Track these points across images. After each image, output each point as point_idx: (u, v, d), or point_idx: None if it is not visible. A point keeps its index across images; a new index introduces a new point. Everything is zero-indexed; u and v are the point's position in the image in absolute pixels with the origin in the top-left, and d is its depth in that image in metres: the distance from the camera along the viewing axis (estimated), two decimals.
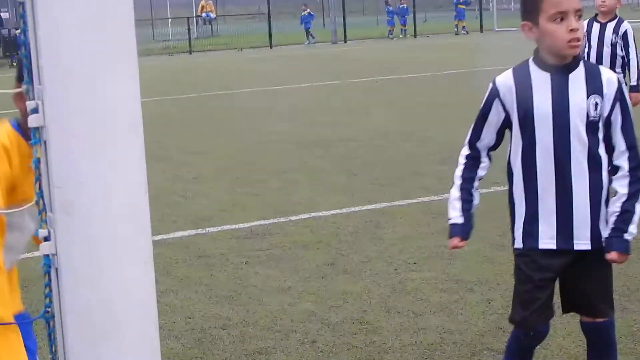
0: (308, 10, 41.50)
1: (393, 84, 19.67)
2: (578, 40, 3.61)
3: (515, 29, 34.10)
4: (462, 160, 3.94)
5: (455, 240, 3.87)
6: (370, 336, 5.21)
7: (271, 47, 38.38)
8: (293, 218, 8.09)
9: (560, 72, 3.71)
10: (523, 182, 3.80)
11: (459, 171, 3.92)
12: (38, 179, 1.70)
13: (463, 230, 3.86)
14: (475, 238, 6.96)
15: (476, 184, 3.92)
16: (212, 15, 47.69)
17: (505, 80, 3.81)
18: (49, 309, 1.74)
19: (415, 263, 6.54)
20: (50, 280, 1.71)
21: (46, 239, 1.68)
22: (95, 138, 1.61)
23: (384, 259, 6.68)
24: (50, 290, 1.72)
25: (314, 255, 6.87)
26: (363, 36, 41.62)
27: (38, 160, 1.68)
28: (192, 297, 6.07)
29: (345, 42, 39.39)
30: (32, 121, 1.65)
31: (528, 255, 3.81)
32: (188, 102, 18.32)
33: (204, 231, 7.80)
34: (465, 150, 3.93)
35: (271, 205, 8.61)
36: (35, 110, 1.65)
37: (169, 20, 51.47)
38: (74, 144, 1.61)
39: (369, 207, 8.35)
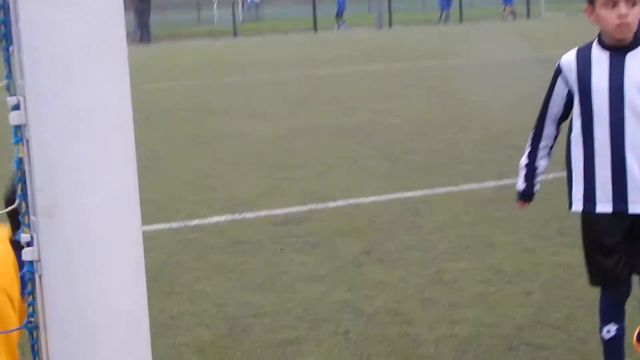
0: None
1: (436, 70, 19.46)
2: (627, 25, 3.90)
3: (563, 13, 33.43)
4: (532, 131, 4.29)
5: (521, 203, 4.37)
6: (405, 328, 5.08)
7: (316, 32, 38.22)
8: (331, 204, 7.98)
9: (618, 51, 4.01)
10: (583, 150, 4.08)
11: (528, 140, 4.29)
12: (20, 179, 1.59)
13: (527, 194, 4.32)
14: (515, 228, 6.85)
15: (543, 152, 4.27)
16: None
17: (568, 59, 4.14)
18: (32, 319, 1.64)
19: (453, 253, 6.39)
20: (33, 288, 1.60)
21: (29, 244, 1.57)
22: (80, 137, 1.50)
23: (421, 248, 6.54)
24: (34, 299, 1.61)
25: (350, 243, 6.75)
26: (408, 21, 41.30)
27: (20, 160, 1.58)
28: (225, 284, 5.98)
29: (390, 26, 39.08)
30: (14, 119, 1.55)
31: (588, 219, 4.12)
32: (230, 87, 18.24)
33: (240, 217, 7.71)
34: (536, 122, 4.27)
35: (309, 191, 8.49)
36: (16, 107, 1.54)
37: (215, 3, 51.47)
38: (57, 144, 1.50)
39: (409, 194, 8.21)
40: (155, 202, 8.15)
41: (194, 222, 7.59)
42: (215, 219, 7.68)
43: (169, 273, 6.22)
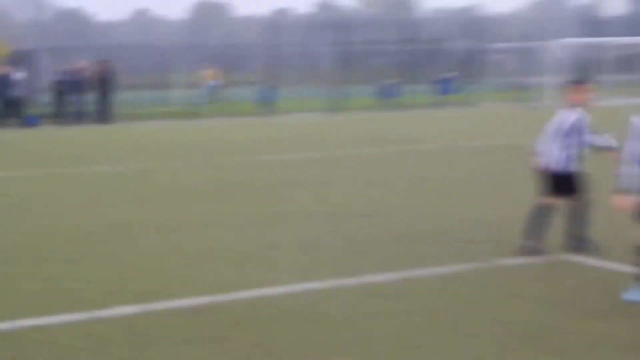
0: None
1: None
2: None
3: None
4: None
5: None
6: None
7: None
8: (242, 294, 8.12)
9: None
10: None
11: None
12: None
13: None
14: (396, 324, 7.06)
15: None
16: None
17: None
18: None
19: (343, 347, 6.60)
20: None
21: None
22: None
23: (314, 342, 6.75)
24: None
25: (243, 337, 6.92)
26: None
27: None
28: None
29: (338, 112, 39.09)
30: None
31: None
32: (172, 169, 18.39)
33: (149, 308, 7.80)
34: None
35: (224, 280, 8.67)
36: None
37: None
38: None
39: (313, 285, 8.44)
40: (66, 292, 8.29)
41: (102, 312, 7.66)
42: (123, 309, 7.76)
43: None
